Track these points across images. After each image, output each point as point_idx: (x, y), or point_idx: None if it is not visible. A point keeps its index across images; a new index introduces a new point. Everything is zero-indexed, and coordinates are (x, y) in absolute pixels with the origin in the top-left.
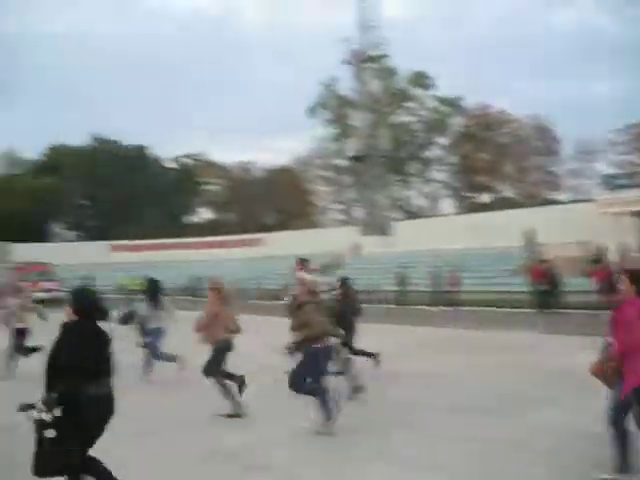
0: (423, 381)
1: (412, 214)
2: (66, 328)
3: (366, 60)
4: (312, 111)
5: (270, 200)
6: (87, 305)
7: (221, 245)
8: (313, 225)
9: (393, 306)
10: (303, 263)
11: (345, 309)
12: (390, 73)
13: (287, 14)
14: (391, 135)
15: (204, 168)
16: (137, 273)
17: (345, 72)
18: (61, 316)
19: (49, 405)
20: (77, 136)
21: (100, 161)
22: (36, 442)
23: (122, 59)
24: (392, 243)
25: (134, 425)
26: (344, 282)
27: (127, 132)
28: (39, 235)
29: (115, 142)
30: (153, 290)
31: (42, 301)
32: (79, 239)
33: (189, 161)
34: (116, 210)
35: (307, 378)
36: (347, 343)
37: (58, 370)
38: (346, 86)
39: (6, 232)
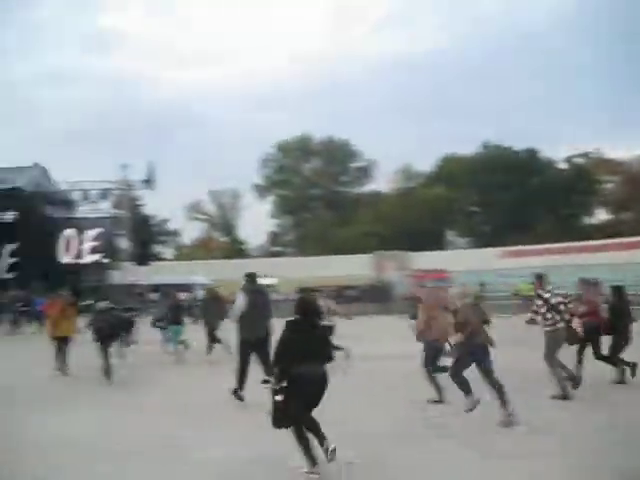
0: None
1: None
2: (288, 325)
3: None
4: None
5: None
6: (305, 307)
7: (622, 247)
8: None
9: None
10: (540, 280)
11: (617, 317)
12: None
13: None
14: None
15: (598, 166)
16: (527, 279)
17: None
18: None
19: (276, 379)
20: (468, 146)
21: (490, 168)
22: (272, 404)
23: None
24: None
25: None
26: (617, 290)
27: (518, 137)
28: (435, 243)
29: (505, 148)
30: None
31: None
32: (470, 246)
33: (582, 160)
34: (507, 216)
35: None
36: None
37: (282, 355)
38: None
39: (405, 242)
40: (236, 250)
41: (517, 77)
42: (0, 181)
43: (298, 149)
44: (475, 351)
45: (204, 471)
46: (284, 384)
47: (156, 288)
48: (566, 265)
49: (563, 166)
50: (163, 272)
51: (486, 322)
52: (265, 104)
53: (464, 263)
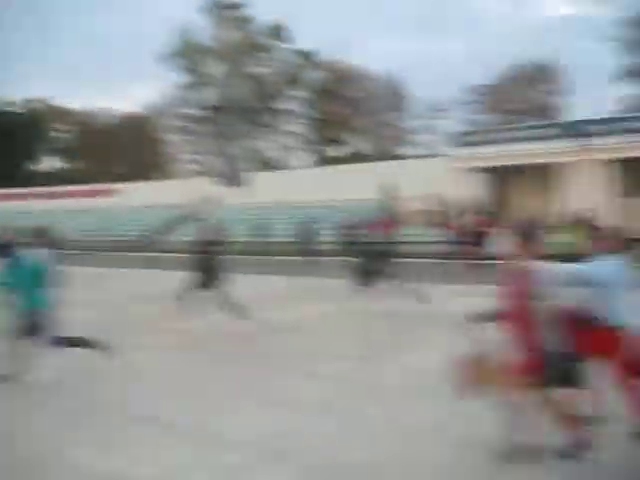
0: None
1: (267, 166)
2: None
3: (224, 7)
4: (164, 58)
5: (122, 149)
6: None
7: (70, 195)
8: (168, 176)
9: (253, 257)
10: None
11: None
12: (246, 22)
13: None
14: (247, 86)
15: (51, 114)
16: None
17: (203, 19)
18: None
19: None
20: None
21: None
22: None
23: None
24: (250, 194)
25: None
26: None
27: None
28: None
29: None
30: None
31: None
32: None
33: (38, 106)
34: None
35: None
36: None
37: None
38: (203, 34)
39: None
40: None
41: None
42: None
43: None
44: None
45: None
46: None
47: None
48: (18, 211)
49: (18, 110)
50: None
51: None
52: None
53: None
